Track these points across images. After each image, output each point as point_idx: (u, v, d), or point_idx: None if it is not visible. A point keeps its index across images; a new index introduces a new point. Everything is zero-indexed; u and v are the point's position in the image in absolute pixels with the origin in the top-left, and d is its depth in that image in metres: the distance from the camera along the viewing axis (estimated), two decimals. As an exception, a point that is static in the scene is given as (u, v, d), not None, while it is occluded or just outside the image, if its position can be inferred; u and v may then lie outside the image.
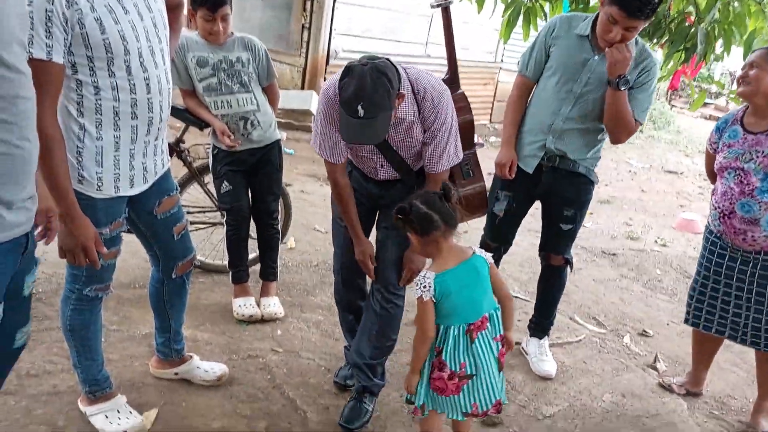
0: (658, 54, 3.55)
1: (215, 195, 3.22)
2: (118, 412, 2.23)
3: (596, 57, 2.62)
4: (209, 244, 3.61)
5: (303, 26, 7.73)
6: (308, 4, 7.62)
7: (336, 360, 2.86)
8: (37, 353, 2.54)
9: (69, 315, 2.12)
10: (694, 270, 2.92)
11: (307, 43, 7.75)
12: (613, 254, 5.10)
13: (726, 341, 2.91)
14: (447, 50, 2.74)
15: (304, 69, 7.84)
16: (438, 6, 2.74)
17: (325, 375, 2.76)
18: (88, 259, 1.87)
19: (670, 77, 4.62)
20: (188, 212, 3.34)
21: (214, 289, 3.40)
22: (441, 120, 2.15)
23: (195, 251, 2.41)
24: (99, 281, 2.09)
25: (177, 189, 2.26)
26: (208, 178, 3.30)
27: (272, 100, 3.10)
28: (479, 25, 7.71)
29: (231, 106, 2.94)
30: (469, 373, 1.94)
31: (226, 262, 3.29)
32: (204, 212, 3.58)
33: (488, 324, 1.97)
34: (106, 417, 2.21)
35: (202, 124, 3.02)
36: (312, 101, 7.28)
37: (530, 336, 3.17)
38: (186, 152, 3.30)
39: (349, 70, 1.95)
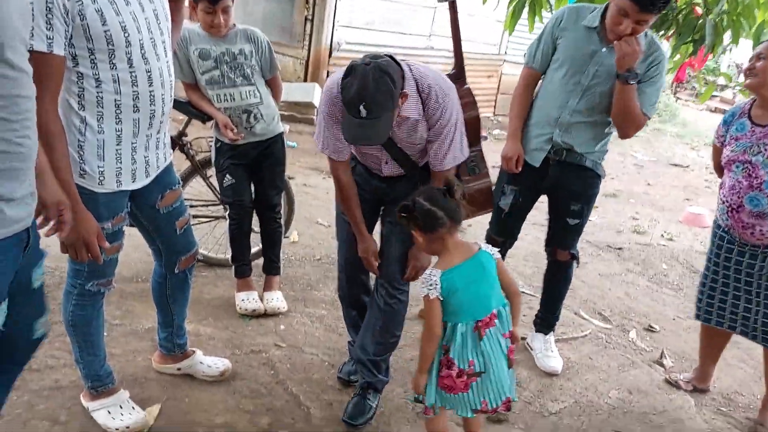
0: (664, 46, 3.51)
1: (218, 188, 3.20)
2: (121, 407, 2.22)
3: (604, 49, 2.58)
4: (212, 237, 3.60)
5: (306, 18, 7.70)
6: (311, -5, 7.60)
7: (339, 355, 2.84)
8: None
9: (71, 310, 2.11)
10: (701, 264, 2.90)
11: (310, 35, 7.72)
12: (619, 248, 5.07)
13: (734, 337, 2.89)
14: (453, 45, 2.71)
15: (307, 61, 7.81)
16: (445, 0, 2.70)
17: (328, 370, 2.74)
18: (90, 255, 1.85)
19: (677, 70, 4.57)
20: (191, 206, 3.32)
21: (217, 283, 3.38)
22: (446, 118, 2.12)
23: (198, 245, 2.39)
24: (101, 276, 2.07)
25: (179, 183, 2.24)
26: (211, 172, 3.28)
27: (275, 92, 3.07)
28: (484, 18, 7.66)
29: (234, 99, 2.92)
30: (477, 370, 1.92)
31: (228, 256, 3.28)
32: (206, 206, 3.56)
33: (497, 321, 1.94)
34: (109, 412, 2.20)
35: (204, 117, 3.00)
36: (315, 93, 7.25)
37: (535, 331, 3.14)
38: (188, 145, 3.28)
39: (351, 69, 1.93)
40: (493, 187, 2.72)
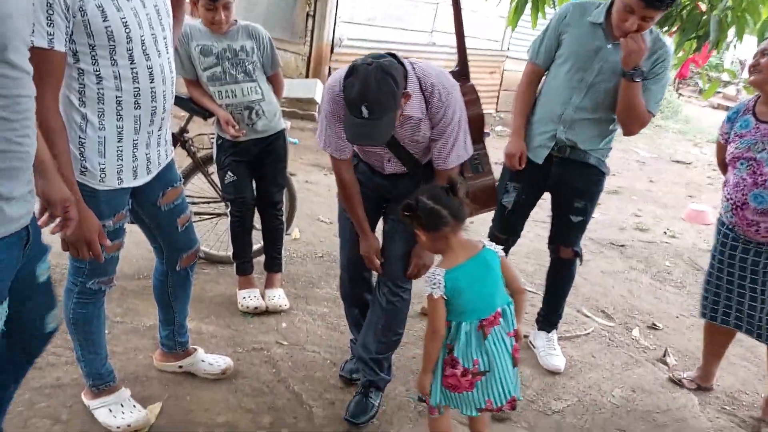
0: (667, 42, 3.48)
1: (219, 185, 3.19)
2: (122, 405, 2.21)
3: (609, 45, 2.56)
4: (213, 235, 3.58)
5: (307, 14, 7.68)
6: (313, -9, 7.58)
7: (341, 353, 2.83)
8: (40, 345, 2.52)
9: (72, 308, 2.10)
10: (704, 262, 2.88)
11: (312, 31, 7.70)
12: (622, 246, 5.05)
13: (737, 335, 2.87)
14: (457, 41, 2.68)
15: (309, 57, 7.79)
16: None
17: (330, 368, 2.73)
18: (91, 253, 1.84)
19: (680, 66, 4.55)
20: (192, 203, 3.32)
21: (219, 280, 3.37)
22: (449, 116, 2.11)
23: (199, 243, 2.38)
24: (102, 274, 2.06)
25: (181, 180, 2.22)
26: (212, 169, 3.27)
27: (277, 89, 3.06)
28: (487, 14, 7.63)
29: (235, 95, 2.90)
30: (482, 369, 1.90)
31: (230, 254, 3.27)
32: (208, 203, 3.55)
33: (501, 319, 1.93)
34: (110, 410, 2.19)
35: (206, 114, 2.98)
36: (317, 90, 7.23)
37: (538, 329, 3.13)
38: (190, 142, 3.27)
39: (353, 70, 1.91)
40: (496, 184, 2.71)
